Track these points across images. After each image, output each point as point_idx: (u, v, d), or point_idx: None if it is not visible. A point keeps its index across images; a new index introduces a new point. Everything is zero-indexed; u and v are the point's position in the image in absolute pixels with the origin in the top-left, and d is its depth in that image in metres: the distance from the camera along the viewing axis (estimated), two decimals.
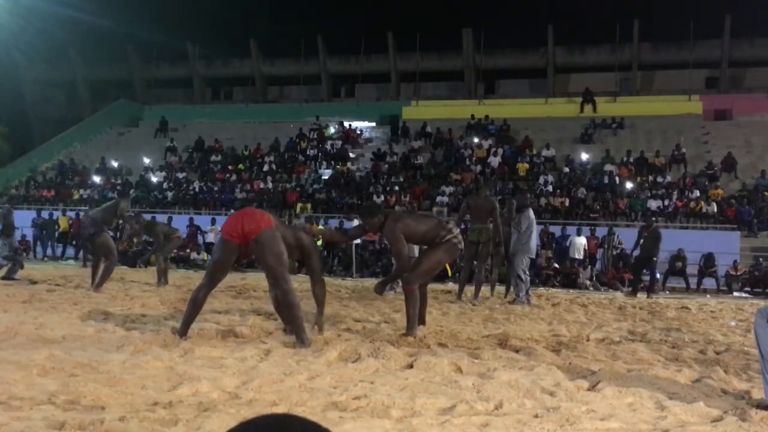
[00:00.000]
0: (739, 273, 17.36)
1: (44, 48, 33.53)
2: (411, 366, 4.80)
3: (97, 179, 26.66)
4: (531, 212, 11.44)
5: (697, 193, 21.01)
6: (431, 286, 13.02)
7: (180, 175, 26.41)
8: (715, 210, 20.21)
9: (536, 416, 3.58)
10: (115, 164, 27.94)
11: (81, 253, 21.20)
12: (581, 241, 17.85)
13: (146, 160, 27.87)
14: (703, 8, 28.31)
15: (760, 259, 17.66)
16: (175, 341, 5.45)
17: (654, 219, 17.46)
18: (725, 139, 25.15)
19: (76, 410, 3.28)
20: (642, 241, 14.77)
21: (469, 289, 11.20)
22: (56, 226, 21.72)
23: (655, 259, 14.72)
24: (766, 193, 20.63)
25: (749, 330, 4.76)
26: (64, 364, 4.26)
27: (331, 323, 7.06)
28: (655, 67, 32.21)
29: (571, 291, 15.43)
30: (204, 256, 19.89)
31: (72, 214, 22.36)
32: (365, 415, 3.51)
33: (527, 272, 11.13)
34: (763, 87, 28.52)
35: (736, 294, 16.53)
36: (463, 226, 12.35)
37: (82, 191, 25.52)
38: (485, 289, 11.81)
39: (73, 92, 38.09)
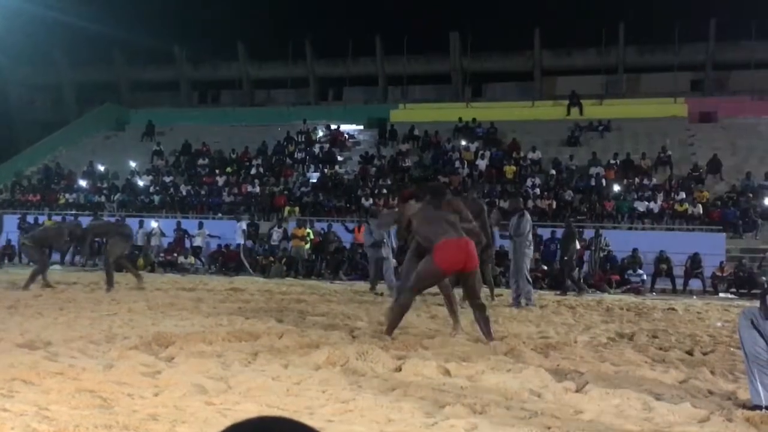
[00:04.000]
0: (724, 274, 17.47)
1: (29, 51, 33.27)
2: (399, 369, 4.80)
3: (83, 183, 26.48)
4: (527, 215, 11.55)
5: (683, 194, 21.14)
6: None
7: (167, 179, 26.28)
8: (701, 212, 20.34)
9: (524, 419, 3.58)
10: (101, 168, 27.75)
11: (76, 258, 20.98)
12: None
13: (133, 164, 27.70)
14: (687, 12, 28.48)
15: (743, 260, 17.79)
16: (161, 347, 5.42)
17: (571, 219, 17.81)
18: (710, 141, 25.34)
19: (57, 419, 3.24)
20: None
21: (458, 291, 11.20)
22: None
23: (566, 258, 15.07)
24: (750, 194, 20.79)
25: (735, 331, 4.80)
26: (48, 370, 4.22)
27: (320, 326, 7.04)
28: (641, 70, 32.38)
29: (558, 293, 15.45)
30: (191, 260, 19.79)
31: (58, 218, 22.19)
32: (353, 419, 3.50)
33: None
34: (747, 89, 28.74)
35: (722, 295, 16.63)
36: None
37: (68, 195, 25.33)
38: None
39: (59, 96, 37.79)
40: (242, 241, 19.33)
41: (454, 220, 6.53)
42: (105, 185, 26.13)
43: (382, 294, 12.21)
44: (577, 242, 17.73)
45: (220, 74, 36.75)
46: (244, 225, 19.63)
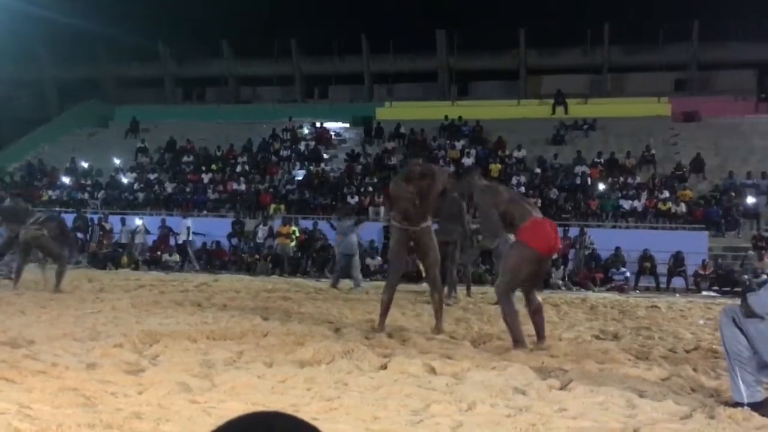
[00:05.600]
0: (707, 272, 17.63)
1: (11, 47, 32.83)
2: (384, 367, 4.80)
3: (66, 180, 26.26)
4: None
5: (666, 193, 21.29)
6: (405, 286, 13.05)
7: (151, 176, 26.12)
8: (684, 210, 20.50)
9: (509, 416, 3.60)
10: (84, 165, 27.53)
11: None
12: None
13: (117, 161, 27.49)
14: (671, 12, 28.70)
15: (719, 260, 17.94)
16: (145, 345, 5.38)
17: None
18: (694, 140, 25.53)
19: (40, 417, 3.22)
20: None
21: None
22: None
23: None
24: (733, 193, 20.97)
25: (717, 329, 4.86)
26: (31, 369, 4.18)
27: (305, 324, 7.03)
28: (626, 69, 32.57)
29: (543, 291, 15.53)
30: (176, 257, 19.69)
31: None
32: (339, 417, 3.50)
33: None
34: (730, 89, 28.98)
35: (704, 293, 16.76)
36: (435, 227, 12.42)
37: (50, 192, 25.11)
38: (460, 289, 11.91)
39: (42, 92, 37.43)
40: (186, 238, 19.51)
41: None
42: (88, 182, 25.93)
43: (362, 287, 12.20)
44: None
45: (205, 71, 36.53)
46: (189, 222, 19.77)
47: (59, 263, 10.64)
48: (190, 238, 19.64)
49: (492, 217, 6.13)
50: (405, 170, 7.04)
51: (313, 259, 19.08)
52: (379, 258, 18.13)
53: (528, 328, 6.31)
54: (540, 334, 6.23)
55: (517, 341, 5.90)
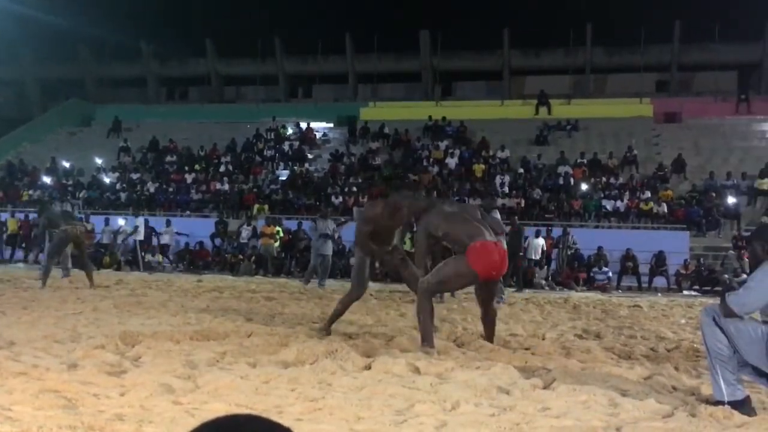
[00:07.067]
0: (688, 272, 17.79)
1: None
2: (368, 367, 4.80)
3: (47, 180, 26.01)
4: (497, 214, 11.62)
5: (648, 193, 21.46)
6: (391, 287, 13.07)
7: (134, 176, 25.94)
8: (666, 210, 20.67)
9: (492, 415, 3.61)
10: (66, 165, 27.29)
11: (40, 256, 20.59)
12: (539, 242, 17.99)
13: (98, 161, 27.27)
14: (653, 14, 28.98)
15: (701, 259, 18.13)
16: (127, 346, 5.34)
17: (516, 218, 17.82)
18: (675, 141, 25.76)
19: (21, 419, 3.18)
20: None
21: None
22: (5, 228, 21.12)
23: (520, 254, 15.79)
24: (713, 194, 21.18)
25: (698, 328, 4.91)
26: (11, 370, 4.14)
27: (288, 325, 7.01)
28: (608, 70, 32.80)
29: (526, 290, 15.61)
30: (159, 258, 19.57)
31: (21, 215, 21.78)
32: (322, 417, 3.49)
33: None
34: (711, 90, 29.28)
35: (686, 292, 16.92)
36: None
37: (31, 192, 24.86)
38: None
39: (23, 91, 37.05)
40: (141, 238, 19.27)
41: (479, 216, 6.10)
42: (70, 182, 25.70)
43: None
44: (542, 239, 17.94)
45: (188, 70, 36.31)
46: (139, 221, 19.66)
47: (87, 261, 11.59)
48: (142, 238, 19.42)
49: (421, 245, 6.30)
50: (391, 204, 6.80)
51: (296, 260, 19.04)
52: None
53: (511, 328, 6.33)
54: (490, 339, 6.29)
55: (425, 340, 5.75)
